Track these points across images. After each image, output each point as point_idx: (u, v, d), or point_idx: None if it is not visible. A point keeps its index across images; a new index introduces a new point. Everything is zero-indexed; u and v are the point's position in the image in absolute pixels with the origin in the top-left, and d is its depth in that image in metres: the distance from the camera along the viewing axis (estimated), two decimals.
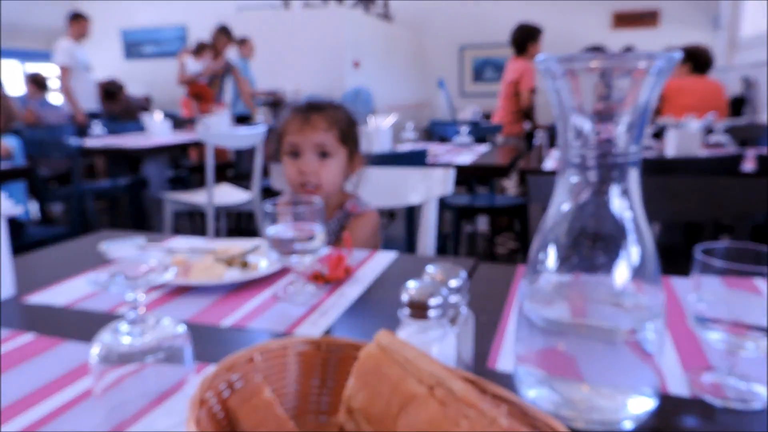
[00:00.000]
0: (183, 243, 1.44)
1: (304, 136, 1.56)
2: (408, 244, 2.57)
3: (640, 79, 0.61)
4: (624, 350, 0.63)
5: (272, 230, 1.05)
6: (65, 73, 6.32)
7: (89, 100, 6.67)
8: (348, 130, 1.61)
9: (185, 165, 5.82)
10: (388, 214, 5.95)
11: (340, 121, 1.60)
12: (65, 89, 6.36)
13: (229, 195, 4.16)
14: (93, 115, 6.68)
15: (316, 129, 1.56)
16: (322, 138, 1.56)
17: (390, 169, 1.98)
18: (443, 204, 3.59)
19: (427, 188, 1.88)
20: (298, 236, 1.05)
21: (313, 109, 1.59)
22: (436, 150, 3.82)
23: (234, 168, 5.53)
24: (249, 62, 7.09)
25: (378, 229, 1.67)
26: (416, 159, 2.68)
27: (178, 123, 5.80)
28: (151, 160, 4.34)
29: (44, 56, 10.05)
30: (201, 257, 1.26)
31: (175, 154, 5.75)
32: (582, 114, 0.64)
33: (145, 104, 8.08)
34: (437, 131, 4.92)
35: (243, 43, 7.00)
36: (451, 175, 1.86)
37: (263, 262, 1.23)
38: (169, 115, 5.77)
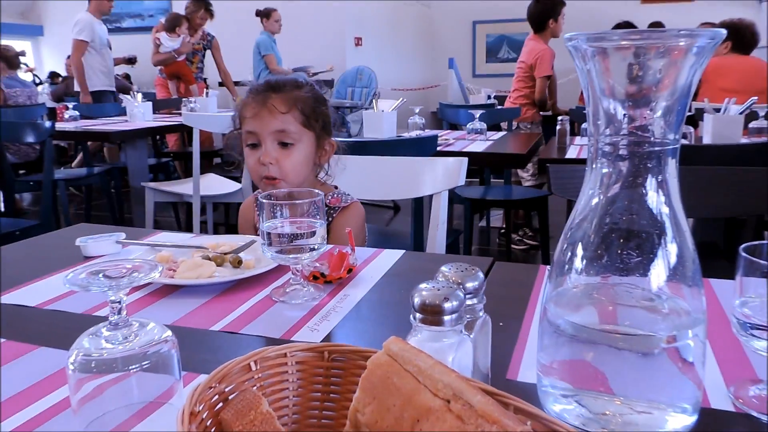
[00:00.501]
0: (168, 238, 1.44)
1: (262, 122, 1.53)
2: (415, 240, 2.56)
3: (678, 60, 0.60)
4: (661, 360, 0.63)
5: (268, 225, 1.06)
6: (79, 47, 6.28)
7: (107, 79, 6.61)
8: (313, 112, 1.58)
9: (164, 152, 5.82)
10: (393, 207, 5.95)
11: (302, 101, 1.56)
12: (76, 65, 6.33)
13: (216, 185, 4.17)
14: (109, 94, 6.61)
15: (274, 113, 1.53)
16: (280, 123, 1.53)
17: (396, 158, 1.98)
18: (453, 196, 3.59)
19: (437, 179, 1.87)
20: (297, 232, 1.05)
21: (271, 89, 1.56)
22: (446, 137, 3.83)
23: (221, 155, 5.52)
24: (275, 38, 6.93)
25: (364, 221, 1.67)
26: (425, 147, 2.68)
27: (155, 106, 5.79)
28: (131, 147, 4.35)
29: (13, 29, 10.04)
30: (188, 254, 1.26)
31: (155, 140, 5.76)
32: (614, 98, 0.63)
33: (126, 84, 8.06)
34: (448, 116, 4.91)
35: (267, 15, 6.84)
36: (463, 164, 1.85)
37: (258, 260, 1.23)
38: (147, 96, 5.75)
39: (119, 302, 0.65)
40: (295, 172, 1.56)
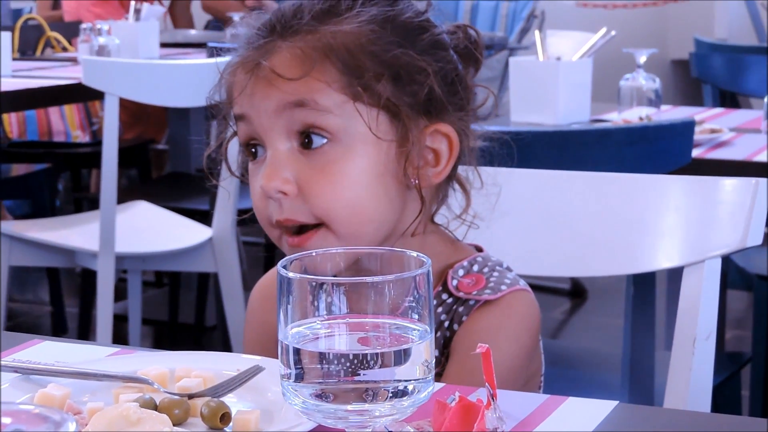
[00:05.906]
0: (58, 354, 0.80)
1: (254, 100, 0.78)
2: (634, 374, 1.51)
3: None
4: None
5: (297, 332, 0.57)
6: None
7: None
8: (381, 62, 0.76)
9: (27, 153, 3.15)
10: (573, 291, 3.26)
11: (345, 44, 0.76)
12: None
13: (153, 228, 2.30)
14: None
15: (274, 81, 0.75)
16: (293, 92, 0.75)
17: (589, 176, 1.06)
18: (727, 271, 1.94)
19: (690, 231, 0.98)
20: (363, 352, 0.57)
21: (282, 29, 0.78)
22: (712, 123, 1.93)
23: (163, 159, 3.39)
24: None
25: (536, 337, 0.90)
26: (664, 149, 1.50)
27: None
28: None
29: None
30: (107, 394, 0.72)
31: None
32: None
33: None
34: (714, 73, 2.72)
35: None
36: (759, 194, 0.94)
37: (268, 415, 0.69)
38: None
39: None
40: (351, 206, 0.77)
